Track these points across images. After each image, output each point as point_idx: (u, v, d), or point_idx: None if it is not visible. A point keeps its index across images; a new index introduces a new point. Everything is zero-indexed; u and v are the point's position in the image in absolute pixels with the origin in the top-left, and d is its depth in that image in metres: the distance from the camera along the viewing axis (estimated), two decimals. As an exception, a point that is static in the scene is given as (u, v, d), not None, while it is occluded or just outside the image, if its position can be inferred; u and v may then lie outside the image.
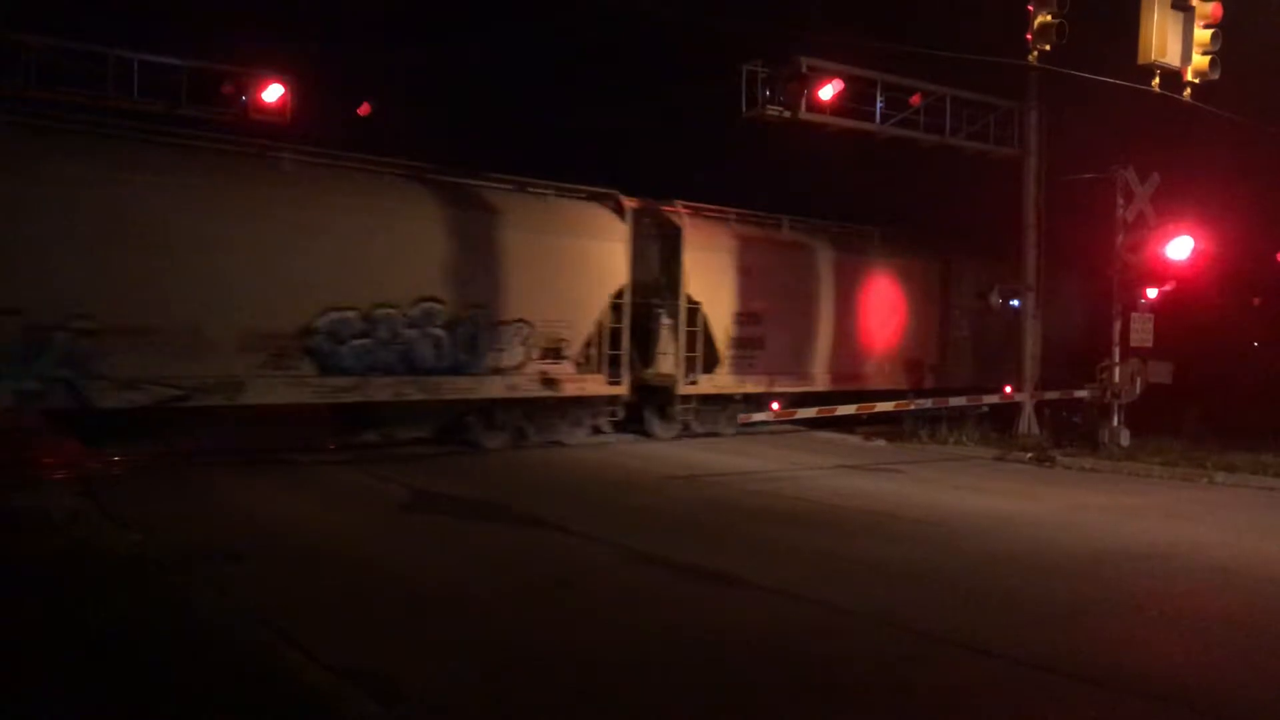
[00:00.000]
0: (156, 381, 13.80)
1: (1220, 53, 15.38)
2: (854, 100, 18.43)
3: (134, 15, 19.42)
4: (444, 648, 6.90)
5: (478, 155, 19.66)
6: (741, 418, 19.00)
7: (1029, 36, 16.55)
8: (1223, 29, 15.30)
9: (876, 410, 18.83)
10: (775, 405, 19.59)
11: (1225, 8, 15.23)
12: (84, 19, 17.80)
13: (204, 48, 18.04)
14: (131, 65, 16.81)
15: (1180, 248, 17.75)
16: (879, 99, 18.69)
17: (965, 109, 19.75)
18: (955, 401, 19.68)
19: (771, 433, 20.88)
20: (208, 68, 17.66)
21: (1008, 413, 20.26)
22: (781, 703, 6.00)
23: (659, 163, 25.84)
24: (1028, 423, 19.87)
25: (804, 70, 17.63)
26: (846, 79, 18.08)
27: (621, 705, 6.00)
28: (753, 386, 20.42)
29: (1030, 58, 16.74)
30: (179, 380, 13.96)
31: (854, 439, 20.56)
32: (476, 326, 16.82)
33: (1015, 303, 21.17)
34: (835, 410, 18.37)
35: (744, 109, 17.85)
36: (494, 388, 17.12)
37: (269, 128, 17.59)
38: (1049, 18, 16.13)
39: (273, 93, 17.89)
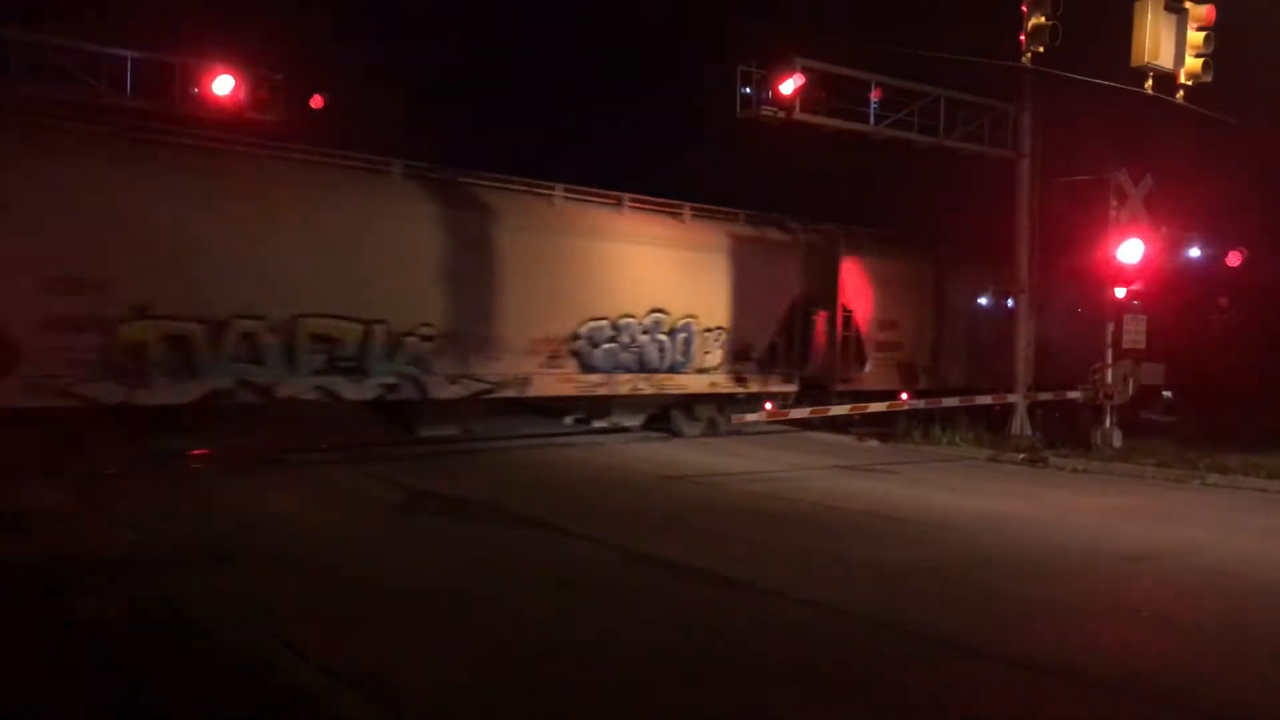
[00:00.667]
0: (472, 377, 16.95)
1: (1213, 55, 15.44)
2: (849, 101, 18.44)
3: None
4: (439, 648, 6.89)
5: (456, 150, 19.83)
6: (736, 418, 19.05)
7: (1023, 38, 16.59)
8: (1215, 31, 15.36)
9: (870, 410, 18.93)
10: (769, 405, 19.63)
11: (1218, 10, 15.30)
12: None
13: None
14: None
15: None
16: (873, 100, 18.71)
17: (960, 110, 19.77)
18: (948, 402, 19.71)
19: (764, 433, 20.89)
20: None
21: (1000, 413, 20.32)
22: (776, 702, 6.01)
23: (649, 159, 25.91)
24: (1021, 423, 19.91)
25: (798, 70, 17.63)
26: (841, 80, 18.09)
27: (618, 705, 6.00)
28: (895, 384, 22.29)
29: (1024, 59, 16.78)
30: (487, 377, 17.12)
31: (847, 439, 20.60)
32: (689, 333, 19.86)
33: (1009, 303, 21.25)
34: (829, 410, 18.46)
35: (737, 109, 17.87)
36: (700, 384, 20.12)
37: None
38: (1043, 20, 16.19)
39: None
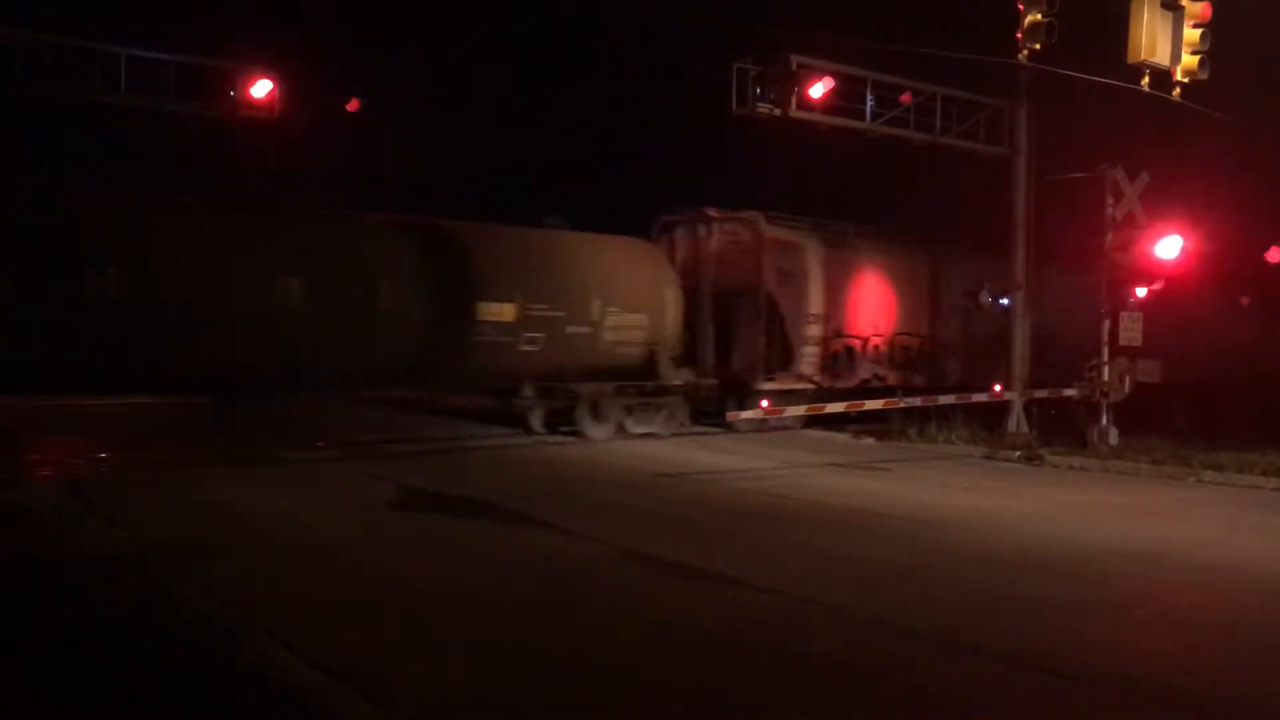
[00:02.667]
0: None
1: (1209, 52, 15.42)
2: (844, 99, 18.43)
3: (120, 9, 19.41)
4: (434, 646, 6.88)
5: (473, 153, 19.88)
6: (730, 415, 19.01)
7: (1019, 35, 16.55)
8: (1212, 28, 15.34)
9: (865, 408, 18.93)
10: (765, 402, 19.60)
11: (1214, 7, 15.27)
12: (70, 13, 17.76)
13: (192, 42, 17.96)
14: (119, 60, 16.72)
15: (1169, 247, 17.79)
16: (869, 97, 18.70)
17: (955, 108, 19.75)
18: (944, 400, 19.70)
19: (759, 431, 20.87)
20: (196, 63, 17.55)
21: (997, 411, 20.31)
22: (771, 701, 6.00)
23: (644, 158, 25.95)
24: (1017, 421, 19.91)
25: (794, 68, 17.62)
26: (836, 77, 18.07)
27: (613, 704, 5.99)
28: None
29: (1020, 57, 16.74)
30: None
31: (842, 437, 20.57)
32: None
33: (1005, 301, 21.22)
34: (824, 408, 18.42)
35: (734, 107, 17.83)
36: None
37: (256, 123, 17.53)
38: (1039, 17, 16.12)
39: (261, 88, 17.82)
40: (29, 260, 14.34)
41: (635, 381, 19.64)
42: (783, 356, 21.60)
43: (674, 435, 19.72)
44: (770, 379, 21.15)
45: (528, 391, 18.81)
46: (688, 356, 20.93)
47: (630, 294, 19.84)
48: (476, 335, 17.76)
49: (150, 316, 14.86)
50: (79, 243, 14.77)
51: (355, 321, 16.55)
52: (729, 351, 21.50)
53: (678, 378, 20.17)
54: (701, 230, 22.03)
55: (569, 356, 18.80)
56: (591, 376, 19.04)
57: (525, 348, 18.30)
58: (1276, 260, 23.98)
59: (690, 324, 21.11)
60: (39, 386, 15.19)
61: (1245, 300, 25.20)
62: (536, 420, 19.31)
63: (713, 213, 21.84)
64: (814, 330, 21.97)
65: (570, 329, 18.84)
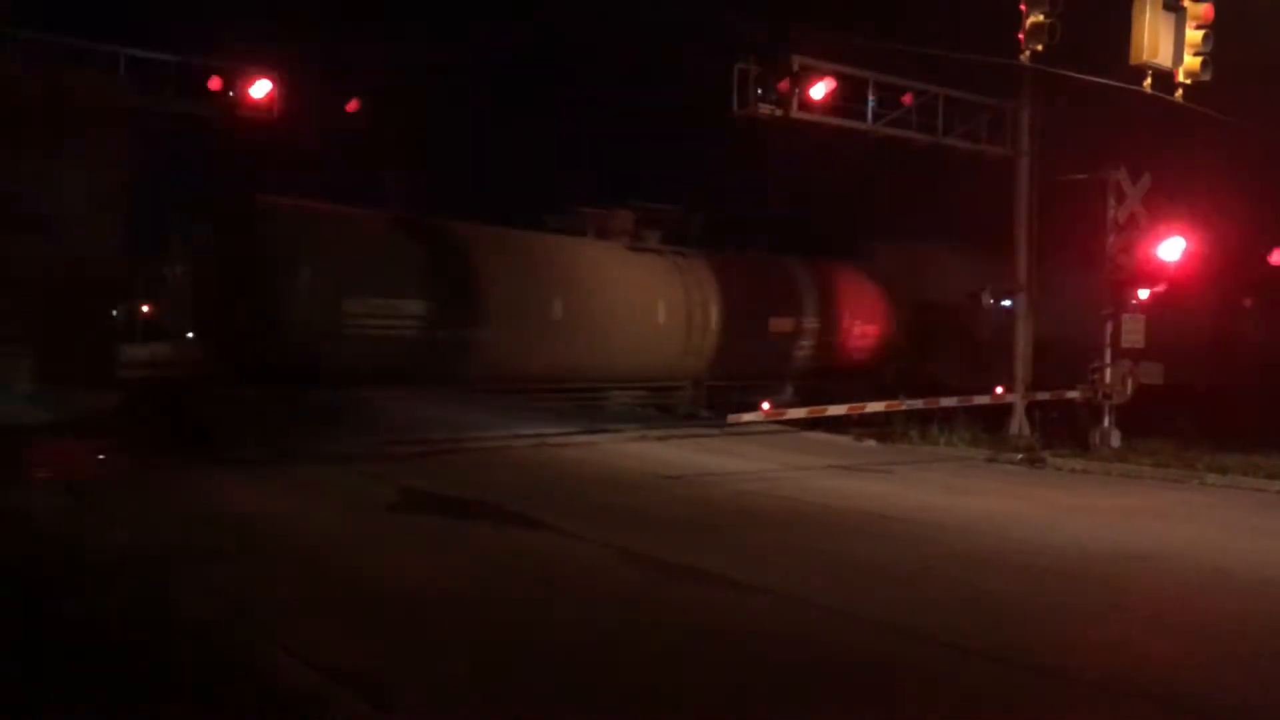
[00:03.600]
0: None
1: (1212, 53, 15.38)
2: (846, 99, 18.39)
3: (120, 9, 19.46)
4: (434, 648, 6.84)
5: (470, 152, 19.95)
6: (731, 418, 18.97)
7: (1021, 36, 16.51)
8: (1214, 30, 15.30)
9: (867, 411, 18.88)
10: (765, 405, 19.55)
11: (1217, 9, 15.24)
12: (70, 12, 17.80)
13: (191, 42, 17.98)
14: (118, 59, 16.71)
15: (1172, 248, 17.75)
16: (870, 98, 18.67)
17: (958, 109, 19.72)
18: (946, 402, 19.66)
19: (762, 433, 20.83)
20: (195, 62, 17.52)
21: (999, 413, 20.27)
22: (768, 702, 5.96)
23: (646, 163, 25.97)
24: (1019, 423, 19.85)
25: (796, 69, 17.59)
26: (838, 78, 18.04)
27: (610, 705, 5.94)
28: None
29: (1022, 58, 16.69)
30: None
31: (844, 439, 20.52)
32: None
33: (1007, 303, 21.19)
34: (826, 410, 18.36)
35: (735, 107, 17.80)
36: None
37: (257, 124, 17.54)
38: (1041, 18, 16.07)
39: (260, 88, 17.78)
40: (520, 292, 20.08)
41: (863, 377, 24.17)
42: None
43: (673, 438, 19.67)
44: None
45: (788, 388, 24.08)
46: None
47: (862, 309, 25.84)
48: (766, 343, 24.26)
49: (580, 333, 20.95)
50: (545, 278, 20.85)
51: (696, 335, 23.27)
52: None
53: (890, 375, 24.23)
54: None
55: (823, 359, 24.99)
56: (836, 374, 24.08)
57: (798, 352, 24.88)
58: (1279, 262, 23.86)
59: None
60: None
61: (1248, 302, 25.13)
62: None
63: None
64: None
65: (825, 338, 25.10)
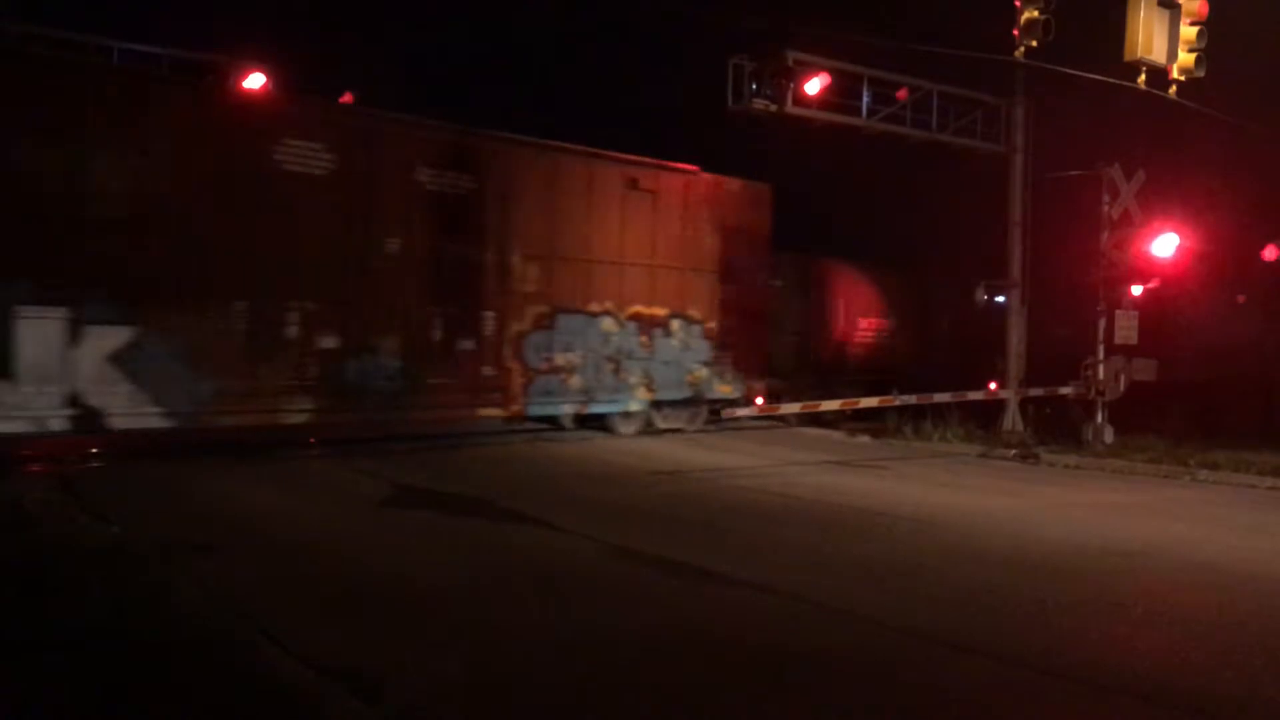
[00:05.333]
0: None
1: (1206, 49, 15.40)
2: (841, 95, 18.40)
3: (112, 1, 19.38)
4: (427, 644, 6.83)
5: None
6: (725, 412, 19.01)
7: (1015, 32, 16.52)
8: (1209, 26, 15.32)
9: (861, 406, 18.91)
10: (759, 400, 19.57)
11: (1211, 5, 15.26)
12: (61, 5, 17.71)
13: (184, 35, 17.90)
14: (111, 53, 16.65)
15: (1165, 245, 17.79)
16: (865, 94, 18.67)
17: (952, 105, 19.73)
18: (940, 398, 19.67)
19: (754, 428, 20.86)
20: (188, 55, 17.47)
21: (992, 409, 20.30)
22: (764, 700, 5.96)
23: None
24: (1012, 419, 19.89)
25: (790, 64, 17.59)
26: (833, 73, 18.04)
27: (606, 702, 5.94)
28: None
29: (1017, 54, 16.70)
30: None
31: (838, 435, 20.56)
32: None
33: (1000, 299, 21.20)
34: (820, 406, 18.40)
35: (729, 102, 17.79)
36: None
37: None
38: (1035, 14, 16.09)
39: (254, 81, 17.72)
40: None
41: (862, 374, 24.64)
42: None
43: (669, 434, 19.72)
44: None
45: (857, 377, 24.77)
46: None
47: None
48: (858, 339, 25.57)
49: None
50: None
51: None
52: None
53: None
54: None
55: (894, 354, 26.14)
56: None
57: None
58: (1273, 258, 23.91)
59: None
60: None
61: (1241, 298, 25.16)
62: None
63: None
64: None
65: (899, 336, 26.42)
